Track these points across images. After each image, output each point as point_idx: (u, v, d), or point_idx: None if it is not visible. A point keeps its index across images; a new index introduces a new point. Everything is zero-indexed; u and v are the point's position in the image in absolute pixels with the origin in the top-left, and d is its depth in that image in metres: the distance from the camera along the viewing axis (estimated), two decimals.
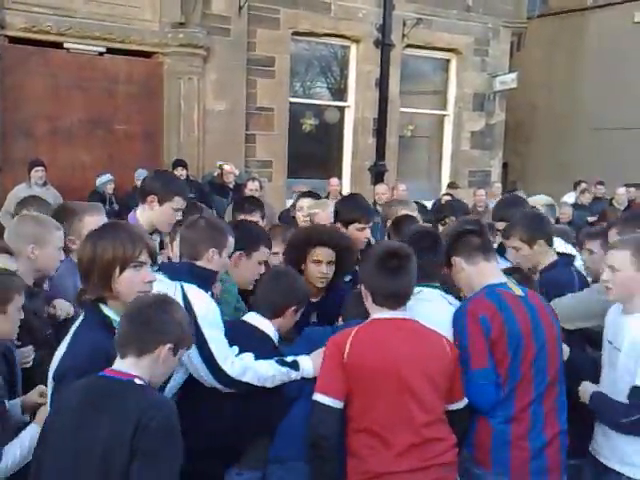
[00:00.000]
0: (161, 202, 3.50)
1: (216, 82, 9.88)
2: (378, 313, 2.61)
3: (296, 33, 10.77)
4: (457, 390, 2.62)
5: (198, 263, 2.92)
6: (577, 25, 14.84)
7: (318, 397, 2.50)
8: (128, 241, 2.41)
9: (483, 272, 2.88)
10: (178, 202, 3.52)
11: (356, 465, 2.51)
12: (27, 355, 2.79)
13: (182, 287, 2.82)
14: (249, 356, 2.74)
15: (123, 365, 2.15)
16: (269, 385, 2.73)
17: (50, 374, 2.35)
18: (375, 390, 2.46)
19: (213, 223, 3.07)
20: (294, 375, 2.77)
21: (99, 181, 8.97)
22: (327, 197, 9.29)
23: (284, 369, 2.75)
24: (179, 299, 2.73)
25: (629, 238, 3.06)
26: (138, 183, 8.89)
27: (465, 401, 2.64)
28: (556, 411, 2.76)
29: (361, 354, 2.47)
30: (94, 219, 3.16)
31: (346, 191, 11.13)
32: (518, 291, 2.83)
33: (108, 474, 1.99)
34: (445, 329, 2.73)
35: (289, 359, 2.79)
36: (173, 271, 2.92)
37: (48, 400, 2.38)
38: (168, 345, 2.16)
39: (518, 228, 3.67)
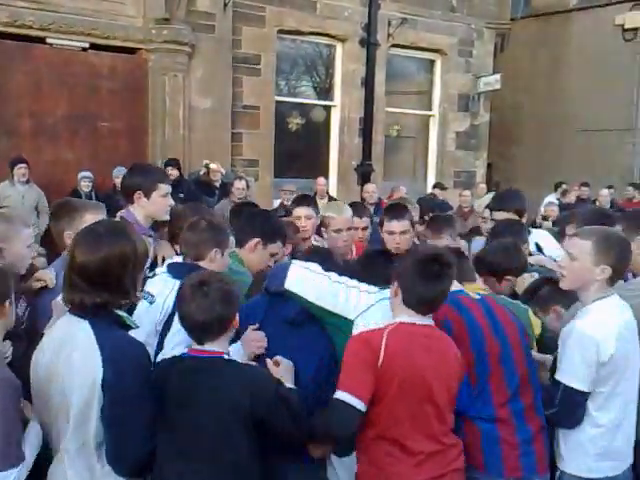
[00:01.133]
0: (147, 194, 3.51)
1: (201, 79, 9.78)
2: (406, 316, 2.53)
3: (282, 31, 10.73)
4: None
5: (201, 264, 2.99)
6: (560, 27, 14.96)
7: (344, 396, 2.35)
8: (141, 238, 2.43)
9: None
10: (163, 188, 3.55)
11: (372, 473, 2.47)
12: (6, 350, 2.67)
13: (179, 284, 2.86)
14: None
15: (205, 347, 2.41)
16: None
17: (81, 386, 2.19)
18: (401, 398, 2.42)
19: (214, 224, 3.14)
20: None
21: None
22: (314, 196, 9.26)
23: None
24: (173, 295, 2.77)
25: (593, 228, 2.99)
26: (117, 181, 8.79)
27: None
28: (534, 409, 2.77)
29: (392, 361, 2.41)
30: (95, 217, 3.08)
31: (333, 190, 11.13)
32: (475, 295, 2.88)
33: (227, 449, 2.31)
34: None
35: None
36: (177, 271, 2.98)
37: (97, 409, 2.22)
38: (235, 320, 2.45)
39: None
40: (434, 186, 11.33)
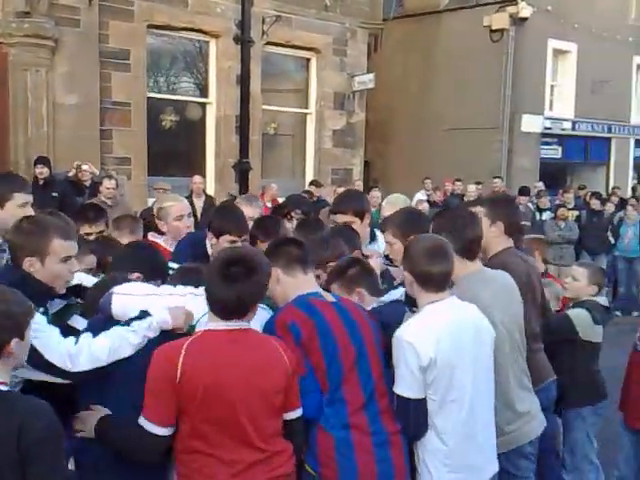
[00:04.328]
0: (2, 204, 3.28)
1: (66, 75, 9.41)
2: (213, 323, 2.42)
3: (152, 26, 10.50)
4: (293, 398, 2.50)
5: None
6: (431, 27, 15.53)
7: (145, 424, 2.33)
8: None
9: (299, 284, 2.78)
10: (20, 198, 3.32)
11: None
12: None
13: None
14: (86, 338, 2.45)
15: None
16: (105, 359, 2.40)
17: None
18: (206, 410, 2.31)
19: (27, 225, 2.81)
20: (138, 326, 2.44)
21: None
22: (190, 195, 9.12)
23: (124, 328, 2.45)
24: None
25: None
26: None
27: (300, 410, 2.53)
28: (391, 412, 2.70)
29: (192, 373, 2.29)
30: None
31: (210, 189, 11.01)
32: (330, 298, 2.80)
33: None
34: None
35: (136, 313, 2.52)
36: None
37: None
38: (14, 340, 2.06)
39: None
40: (310, 183, 11.47)
